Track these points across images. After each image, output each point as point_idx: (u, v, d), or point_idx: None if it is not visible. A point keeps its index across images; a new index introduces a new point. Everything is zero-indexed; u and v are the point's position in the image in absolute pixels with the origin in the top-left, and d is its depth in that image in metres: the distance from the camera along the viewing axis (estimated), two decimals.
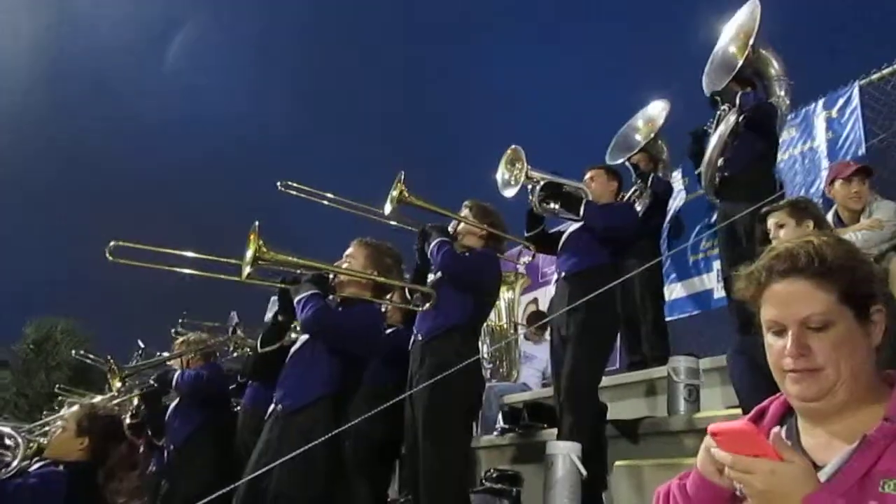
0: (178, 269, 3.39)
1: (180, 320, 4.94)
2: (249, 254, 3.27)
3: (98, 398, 4.70)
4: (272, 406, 3.26)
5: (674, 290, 6.00)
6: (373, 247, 3.59)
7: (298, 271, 3.42)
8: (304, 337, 3.40)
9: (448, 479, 3.56)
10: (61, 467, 3.10)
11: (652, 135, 5.41)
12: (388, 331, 4.31)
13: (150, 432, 4.93)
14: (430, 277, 4.05)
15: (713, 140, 4.50)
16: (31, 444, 3.44)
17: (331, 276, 3.47)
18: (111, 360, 4.65)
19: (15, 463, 3.08)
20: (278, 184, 3.84)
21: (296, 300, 3.28)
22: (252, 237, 3.27)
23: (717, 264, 5.60)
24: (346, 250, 3.58)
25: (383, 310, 3.89)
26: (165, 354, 5.11)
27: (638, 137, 5.47)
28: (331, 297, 3.41)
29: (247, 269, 3.27)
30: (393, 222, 4.02)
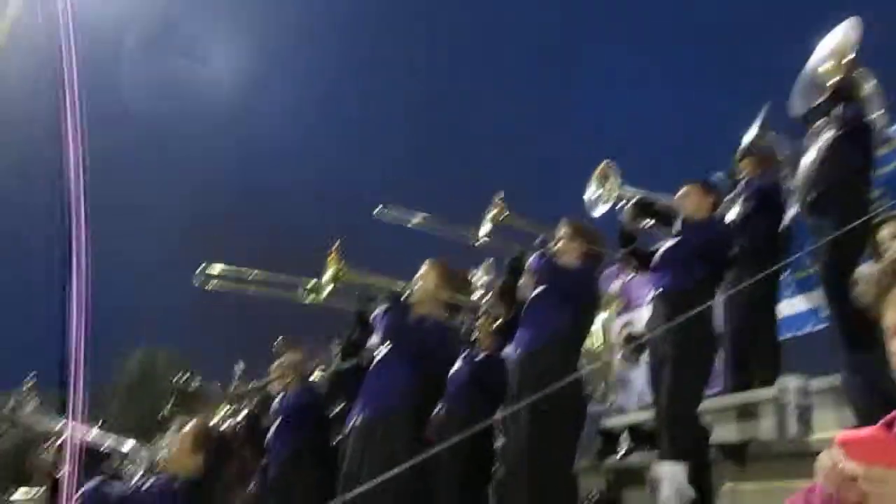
0: (263, 291, 3.62)
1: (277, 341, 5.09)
2: (330, 273, 3.46)
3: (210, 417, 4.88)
4: (353, 418, 3.37)
5: (786, 306, 5.71)
6: (444, 268, 3.73)
7: (377, 291, 3.62)
8: (383, 351, 3.51)
9: (552, 499, 3.51)
10: (177, 482, 3.23)
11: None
12: (480, 356, 4.33)
13: (253, 451, 4.96)
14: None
15: (808, 157, 4.33)
16: (151, 460, 3.63)
17: (405, 294, 3.61)
18: (218, 386, 4.81)
19: (139, 475, 3.29)
20: (374, 212, 4.01)
21: (375, 314, 3.45)
22: (332, 257, 3.45)
23: None
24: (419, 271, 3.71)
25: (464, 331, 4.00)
26: (264, 380, 5.19)
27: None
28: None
29: (328, 289, 3.48)
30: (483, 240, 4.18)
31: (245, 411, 5.08)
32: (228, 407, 4.85)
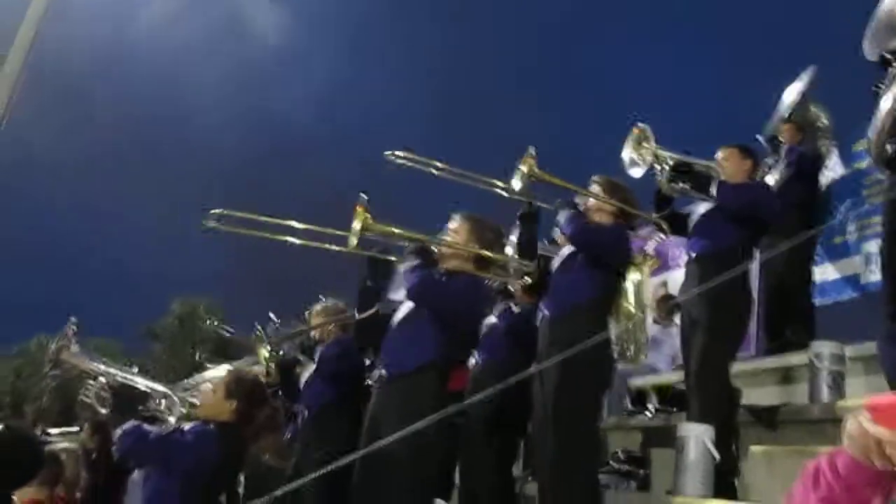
0: (284, 238, 3.56)
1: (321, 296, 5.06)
2: (357, 225, 3.38)
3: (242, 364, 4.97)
4: (377, 372, 3.36)
5: (821, 272, 5.64)
6: (475, 221, 3.67)
7: (404, 243, 3.53)
8: (408, 305, 3.49)
9: (577, 460, 3.54)
10: (212, 426, 3.33)
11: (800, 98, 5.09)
12: (515, 309, 4.35)
13: (285, 398, 4.99)
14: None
15: (884, 104, 4.18)
16: (186, 404, 3.71)
17: (434, 248, 3.56)
18: (259, 330, 4.81)
19: (173, 420, 3.39)
20: (387, 153, 3.84)
21: (402, 270, 3.40)
22: (359, 209, 3.39)
23: (866, 247, 5.28)
24: (449, 223, 3.66)
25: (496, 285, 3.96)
26: (303, 327, 5.15)
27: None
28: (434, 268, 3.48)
29: (354, 240, 3.39)
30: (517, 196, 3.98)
31: (281, 359, 5.07)
32: (265, 353, 4.78)
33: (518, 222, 4.05)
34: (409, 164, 3.90)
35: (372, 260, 3.62)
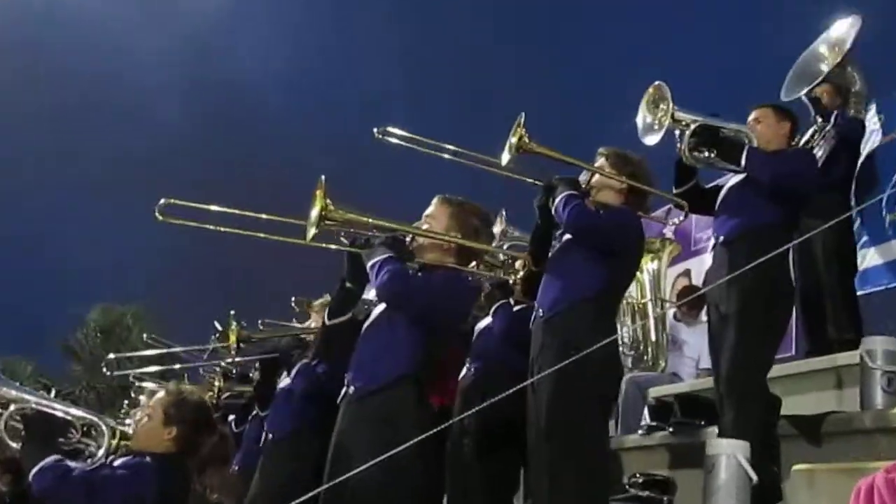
0: (237, 231, 3.62)
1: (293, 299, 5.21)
2: (315, 213, 3.39)
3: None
4: (344, 389, 3.37)
5: (867, 257, 5.71)
6: (457, 205, 3.69)
7: (371, 233, 3.54)
8: (380, 308, 3.52)
9: (578, 485, 3.53)
10: (148, 459, 3.30)
11: (839, 60, 5.18)
12: (516, 308, 4.38)
13: (259, 400, 5.12)
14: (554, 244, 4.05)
15: None
16: (116, 433, 3.67)
17: (409, 239, 3.58)
18: (233, 317, 4.90)
19: (101, 453, 3.29)
20: (375, 130, 3.95)
21: (369, 265, 3.40)
22: (318, 194, 3.39)
23: None
24: (427, 209, 3.68)
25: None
26: (297, 325, 5.29)
27: (822, 66, 5.23)
28: (409, 262, 3.52)
29: (312, 231, 3.41)
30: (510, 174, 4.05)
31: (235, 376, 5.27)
32: (215, 371, 5.00)
33: (537, 213, 4.06)
34: (400, 142, 3.98)
35: (353, 256, 3.63)
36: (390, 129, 4.08)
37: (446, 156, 4.14)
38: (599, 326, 3.59)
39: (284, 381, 4.68)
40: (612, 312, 3.92)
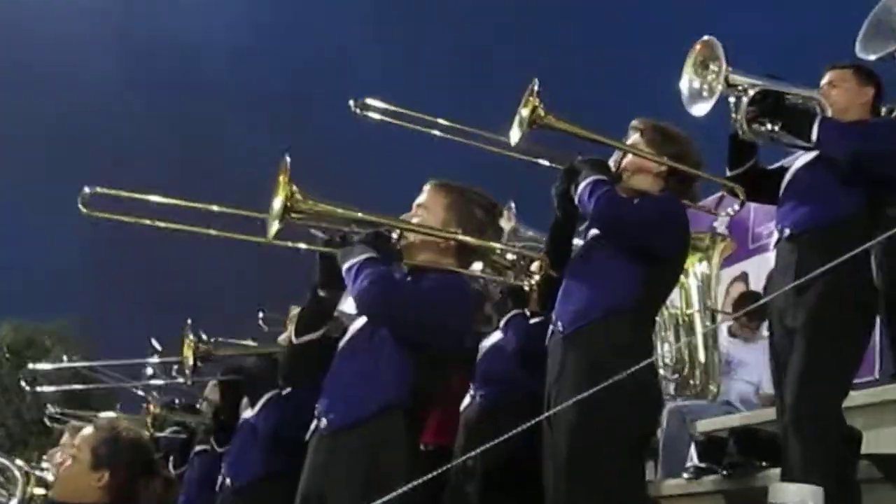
0: (183, 228, 3.55)
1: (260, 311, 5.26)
2: (278, 203, 3.33)
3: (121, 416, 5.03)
4: (314, 422, 3.33)
5: None
6: (457, 193, 3.63)
7: (348, 229, 3.48)
8: (360, 323, 3.46)
9: None
10: None
11: None
12: (533, 321, 4.33)
13: (215, 433, 5.02)
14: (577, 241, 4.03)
15: None
16: (30, 480, 3.61)
17: (395, 235, 3.53)
18: (189, 328, 4.83)
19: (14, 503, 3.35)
20: (351, 103, 3.91)
21: (345, 267, 3.33)
22: (281, 179, 3.33)
23: None
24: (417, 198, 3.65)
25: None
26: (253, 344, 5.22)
27: None
28: (396, 264, 3.49)
29: (275, 226, 3.35)
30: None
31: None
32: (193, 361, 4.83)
33: (555, 203, 4.00)
34: (384, 118, 3.96)
35: (326, 258, 3.55)
36: (370, 102, 4.04)
37: (439, 133, 4.11)
38: (634, 344, 3.55)
39: (248, 413, 4.60)
40: (650, 327, 3.89)
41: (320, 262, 3.57)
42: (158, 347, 4.99)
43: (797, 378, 3.77)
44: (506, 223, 4.71)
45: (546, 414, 3.43)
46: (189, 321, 4.84)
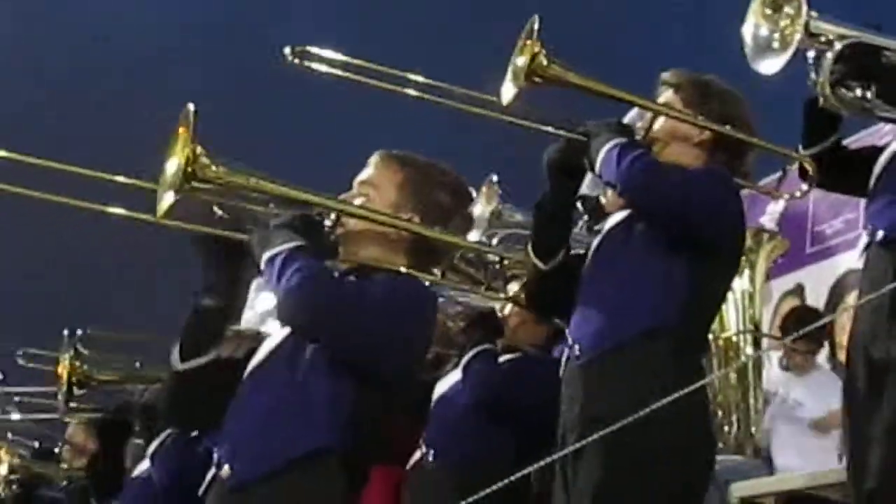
0: (49, 198, 3.27)
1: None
2: (175, 167, 3.01)
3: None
4: (212, 471, 3.07)
5: None
6: (413, 169, 3.37)
7: (267, 208, 3.21)
8: (278, 338, 3.15)
9: None
10: None
11: None
12: (507, 357, 4.34)
13: (94, 490, 4.95)
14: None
15: None
16: None
17: (329, 220, 3.26)
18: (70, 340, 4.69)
19: None
20: (287, 50, 3.69)
21: (264, 258, 3.00)
22: (182, 134, 3.02)
23: None
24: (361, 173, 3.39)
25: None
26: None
27: None
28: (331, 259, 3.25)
29: (169, 198, 3.03)
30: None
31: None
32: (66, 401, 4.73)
33: (546, 174, 3.75)
34: (330, 70, 3.79)
35: (226, 245, 3.25)
36: (312, 50, 3.79)
37: (410, 91, 3.83)
38: (680, 373, 3.20)
39: (143, 466, 4.46)
40: (700, 348, 3.60)
41: (213, 252, 3.27)
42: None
43: (885, 435, 3.36)
44: (485, 204, 4.61)
45: (560, 454, 3.22)
46: (66, 332, 4.69)
